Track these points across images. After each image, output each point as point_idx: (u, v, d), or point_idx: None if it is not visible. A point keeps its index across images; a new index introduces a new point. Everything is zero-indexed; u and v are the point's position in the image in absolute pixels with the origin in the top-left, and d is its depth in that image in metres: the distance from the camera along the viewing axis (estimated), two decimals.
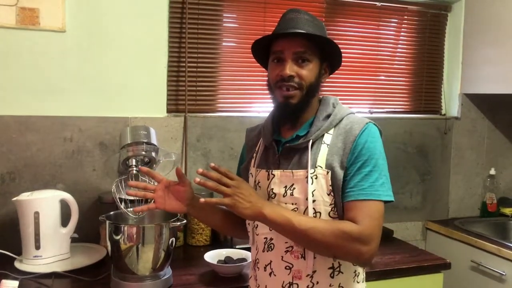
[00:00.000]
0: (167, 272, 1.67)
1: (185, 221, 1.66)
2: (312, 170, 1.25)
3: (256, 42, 1.33)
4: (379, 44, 2.60)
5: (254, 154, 1.42)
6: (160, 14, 2.15)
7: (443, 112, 2.77)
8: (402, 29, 2.66)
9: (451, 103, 2.76)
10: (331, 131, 1.29)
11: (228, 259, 1.80)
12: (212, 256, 1.82)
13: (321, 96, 1.38)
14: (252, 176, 1.38)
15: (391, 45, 2.64)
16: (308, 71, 1.27)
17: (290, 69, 1.25)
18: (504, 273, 2.18)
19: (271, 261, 1.31)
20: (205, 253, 1.83)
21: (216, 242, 2.15)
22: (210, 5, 2.24)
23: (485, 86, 2.58)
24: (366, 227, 1.18)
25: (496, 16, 2.48)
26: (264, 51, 1.36)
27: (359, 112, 2.57)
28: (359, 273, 1.33)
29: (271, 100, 1.36)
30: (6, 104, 1.95)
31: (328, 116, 1.31)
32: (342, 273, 1.28)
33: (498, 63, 2.47)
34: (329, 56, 1.33)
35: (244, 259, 1.79)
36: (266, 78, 1.36)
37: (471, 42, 2.63)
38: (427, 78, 2.72)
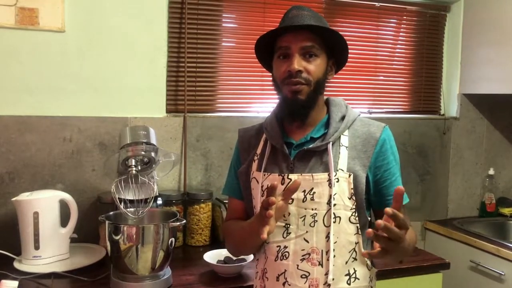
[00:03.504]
0: (167, 272, 1.67)
1: (184, 221, 1.67)
2: (334, 173, 1.22)
3: (261, 38, 1.28)
4: (378, 44, 2.60)
5: (255, 157, 1.35)
6: (159, 14, 2.15)
7: (442, 112, 2.78)
8: (401, 29, 2.66)
9: (450, 103, 2.77)
10: (346, 132, 1.28)
11: (227, 259, 1.80)
12: (212, 256, 1.82)
13: (325, 98, 1.35)
14: (258, 181, 1.30)
15: (390, 45, 2.64)
16: (315, 66, 1.24)
17: (298, 63, 1.22)
18: (503, 273, 2.19)
19: (285, 270, 1.25)
20: (204, 253, 1.84)
21: (216, 242, 2.15)
22: (210, 5, 2.24)
23: (484, 86, 2.59)
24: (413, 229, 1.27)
25: (495, 17, 2.49)
26: (266, 50, 1.32)
27: None
28: (372, 277, 1.31)
29: (276, 99, 1.32)
30: (6, 104, 1.95)
31: (343, 117, 1.29)
32: (358, 279, 1.26)
33: (497, 63, 2.48)
34: (335, 53, 1.30)
35: (243, 259, 1.78)
36: (270, 77, 1.33)
37: (470, 42, 2.63)
38: (426, 78, 2.73)
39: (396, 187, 1.04)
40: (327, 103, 1.35)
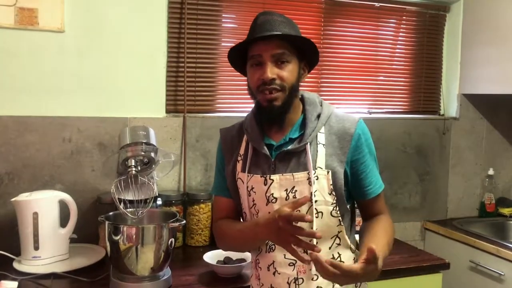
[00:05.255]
0: (166, 272, 1.67)
1: (184, 221, 1.66)
2: (313, 172, 1.27)
3: (232, 50, 1.33)
4: (378, 44, 2.60)
5: (239, 158, 1.39)
6: (159, 14, 2.15)
7: (441, 112, 2.78)
8: (401, 30, 2.66)
9: (450, 104, 2.77)
10: (322, 130, 1.32)
11: (227, 260, 1.80)
12: (212, 257, 1.82)
13: (300, 93, 1.38)
14: (243, 182, 1.35)
15: (389, 45, 2.64)
16: (288, 72, 1.27)
17: (271, 72, 1.25)
18: (502, 273, 2.19)
19: (273, 261, 1.32)
20: (204, 254, 1.84)
21: (215, 242, 2.14)
22: (209, 6, 2.24)
23: (484, 87, 2.59)
24: (388, 213, 1.40)
25: (494, 17, 2.49)
26: (240, 57, 1.36)
27: (358, 113, 2.58)
28: (357, 260, 1.35)
29: (253, 104, 1.36)
30: (5, 104, 1.95)
31: (319, 115, 1.33)
32: (343, 262, 1.31)
33: (496, 63, 2.48)
34: (306, 54, 1.34)
35: (243, 260, 1.78)
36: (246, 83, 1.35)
37: (470, 43, 2.63)
38: (426, 78, 2.72)
39: (368, 248, 1.06)
40: (302, 101, 1.38)
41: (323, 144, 1.30)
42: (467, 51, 2.65)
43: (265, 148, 1.33)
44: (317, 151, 1.29)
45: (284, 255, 1.29)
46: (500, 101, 2.76)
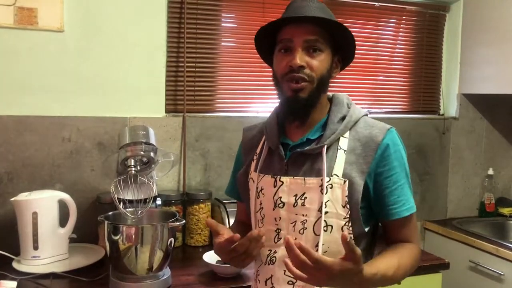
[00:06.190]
0: (166, 272, 1.67)
1: (183, 221, 1.66)
2: (328, 179, 1.14)
3: (261, 30, 1.19)
4: (377, 44, 2.60)
5: (255, 157, 1.29)
6: (158, 14, 2.14)
7: (441, 112, 2.78)
8: (401, 29, 2.66)
9: (450, 103, 2.77)
10: (347, 134, 1.19)
11: None
12: (211, 256, 1.81)
13: (330, 94, 1.26)
14: (254, 182, 1.26)
15: (389, 45, 2.64)
16: (319, 62, 1.15)
17: (300, 58, 1.13)
18: (502, 273, 2.19)
19: (272, 275, 1.21)
20: (204, 253, 1.83)
21: None
22: (209, 5, 2.24)
23: (483, 86, 2.59)
24: (418, 242, 1.27)
25: (494, 16, 2.49)
26: (267, 44, 1.23)
27: None
28: None
29: (277, 96, 1.23)
30: (4, 104, 1.95)
31: (343, 118, 1.20)
32: None
33: (496, 63, 2.48)
34: (341, 48, 1.21)
35: None
36: (270, 76, 1.25)
37: (469, 42, 2.63)
38: (426, 78, 2.73)
39: (341, 235, 0.94)
40: (330, 100, 1.26)
41: (344, 150, 1.16)
42: (466, 51, 2.65)
43: (280, 147, 1.22)
44: (336, 156, 1.16)
45: (284, 271, 1.15)
46: (499, 101, 2.76)
